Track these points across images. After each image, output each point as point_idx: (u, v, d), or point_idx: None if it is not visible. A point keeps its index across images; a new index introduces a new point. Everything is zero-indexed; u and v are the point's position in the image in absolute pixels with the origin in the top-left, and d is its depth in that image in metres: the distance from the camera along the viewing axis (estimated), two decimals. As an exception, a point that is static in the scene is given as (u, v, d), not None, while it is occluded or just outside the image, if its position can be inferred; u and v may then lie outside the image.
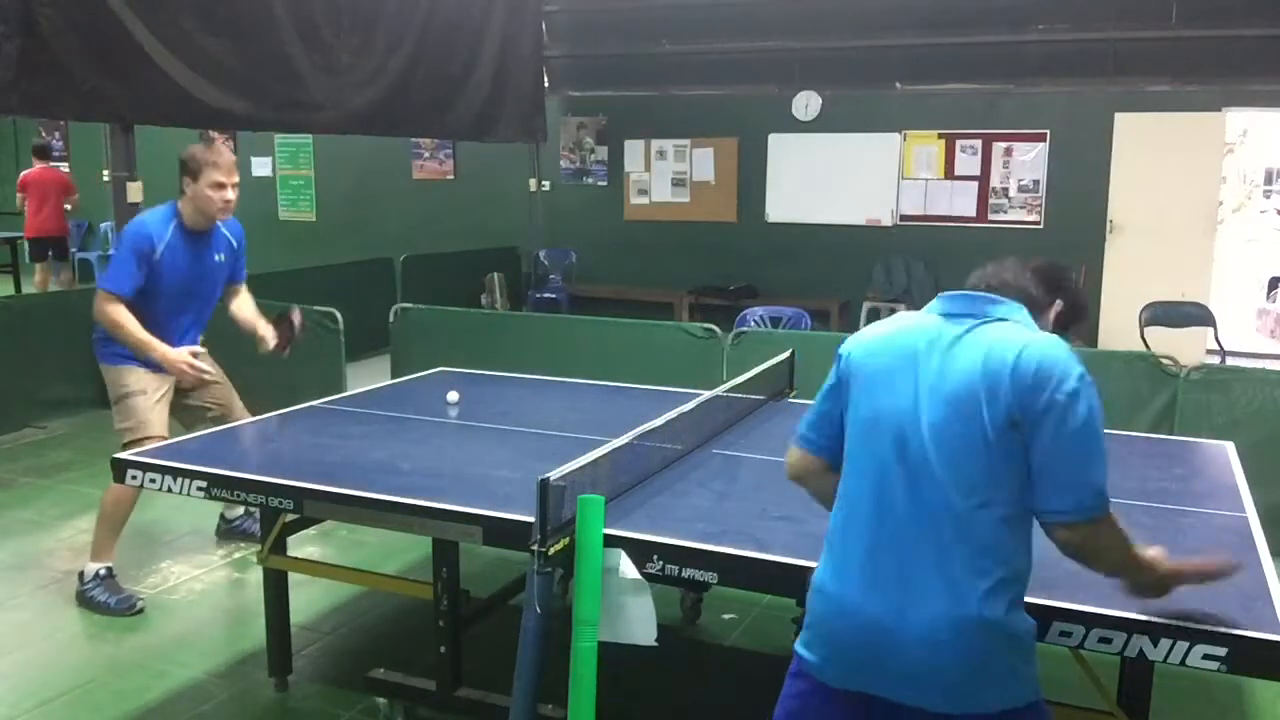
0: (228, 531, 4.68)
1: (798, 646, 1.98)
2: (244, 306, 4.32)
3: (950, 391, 1.86)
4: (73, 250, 13.40)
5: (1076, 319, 2.13)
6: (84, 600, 3.96)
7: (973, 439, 1.83)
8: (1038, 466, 1.83)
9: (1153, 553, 1.99)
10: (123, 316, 3.83)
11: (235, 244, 4.21)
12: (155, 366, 3.98)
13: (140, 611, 3.91)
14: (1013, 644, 1.84)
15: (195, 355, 3.99)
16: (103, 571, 3.98)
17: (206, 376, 4.05)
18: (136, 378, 3.97)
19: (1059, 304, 2.08)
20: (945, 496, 1.83)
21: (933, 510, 1.84)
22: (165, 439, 3.81)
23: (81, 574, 4.00)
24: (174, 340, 4.00)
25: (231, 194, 3.96)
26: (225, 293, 4.27)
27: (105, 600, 3.92)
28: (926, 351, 1.91)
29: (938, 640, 1.81)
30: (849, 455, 1.99)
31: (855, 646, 1.88)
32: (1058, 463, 1.83)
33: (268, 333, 4.20)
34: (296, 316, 4.25)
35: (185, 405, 4.21)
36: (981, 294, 1.97)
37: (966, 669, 1.82)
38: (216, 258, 4.11)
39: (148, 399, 3.97)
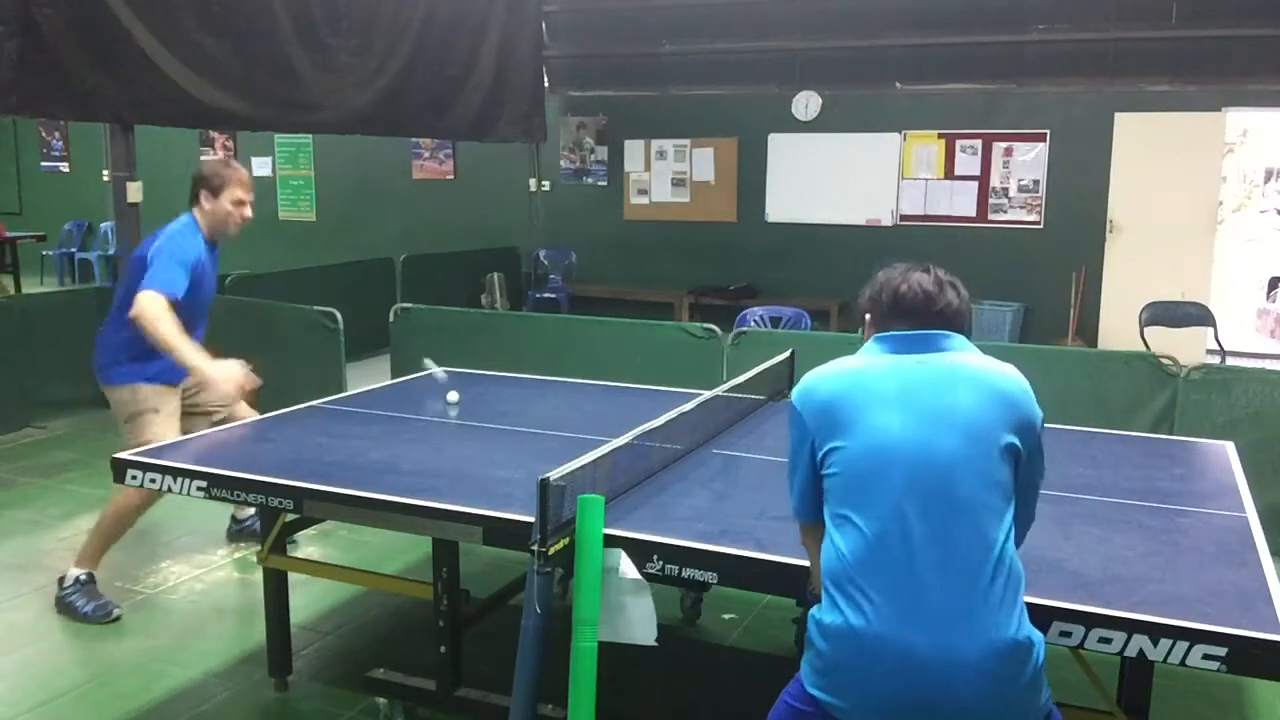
0: (238, 532, 4.66)
1: (812, 689, 1.92)
2: None
3: (965, 422, 1.89)
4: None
5: None
6: (61, 605, 3.90)
7: (992, 466, 1.88)
8: (1019, 491, 1.95)
9: None
10: (168, 313, 3.65)
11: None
12: (161, 380, 3.91)
13: (117, 619, 3.85)
14: (1037, 656, 1.87)
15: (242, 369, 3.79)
16: (83, 577, 3.91)
17: (249, 385, 3.81)
18: (145, 395, 3.91)
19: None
20: (978, 526, 1.85)
21: (968, 540, 1.84)
22: None
23: (62, 578, 3.94)
24: None
25: (250, 211, 3.98)
26: None
27: (81, 607, 3.85)
28: (909, 387, 1.94)
29: (997, 669, 1.80)
30: (846, 492, 1.93)
31: (907, 689, 1.82)
32: (1030, 488, 1.99)
33: None
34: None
35: (189, 411, 4.16)
36: (934, 332, 2.03)
37: (1018, 690, 1.83)
38: (218, 268, 4.13)
39: (160, 416, 3.92)
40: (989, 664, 1.80)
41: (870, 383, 1.97)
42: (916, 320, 2.03)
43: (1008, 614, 1.82)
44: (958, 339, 2.04)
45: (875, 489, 1.89)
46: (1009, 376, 1.98)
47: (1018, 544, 1.97)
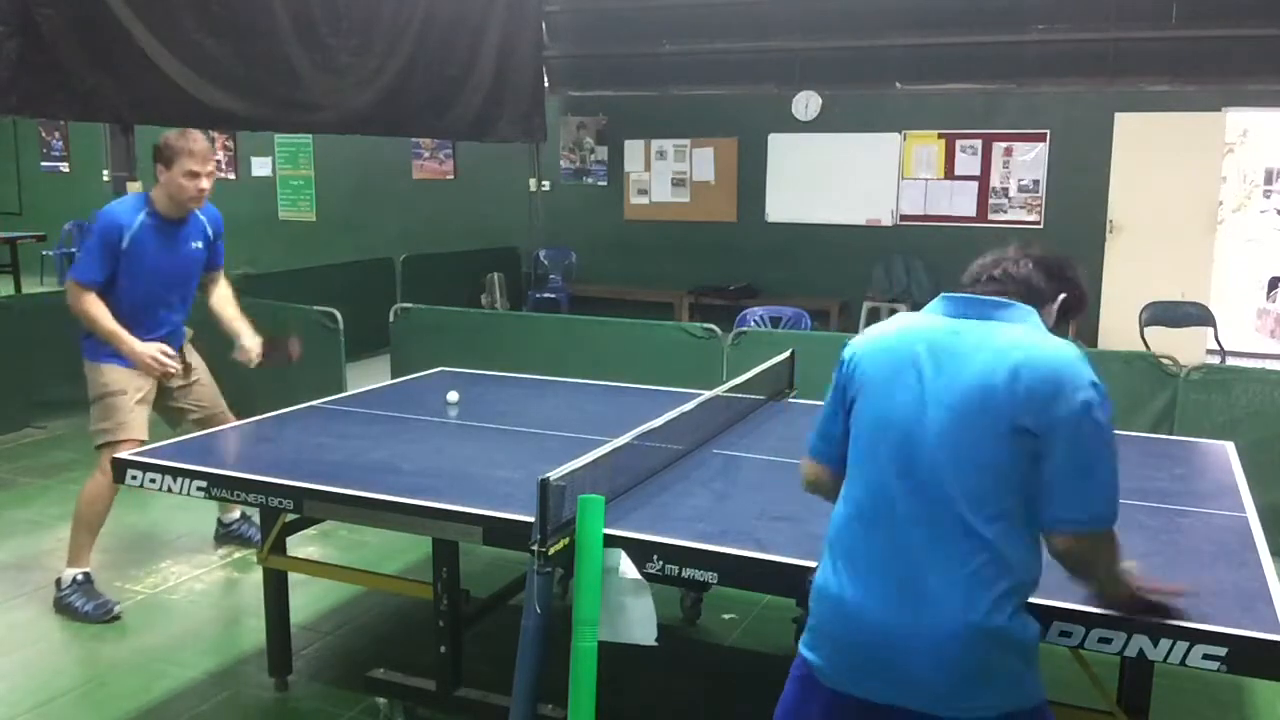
0: (224, 536, 4.63)
1: (802, 648, 1.97)
2: (224, 303, 4.21)
3: (958, 400, 1.84)
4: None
5: (1079, 310, 2.06)
6: (61, 607, 3.89)
7: (982, 449, 1.81)
8: (1052, 476, 1.81)
9: (1129, 564, 1.99)
10: (93, 307, 3.78)
11: (212, 231, 4.08)
12: (123, 361, 3.90)
13: (117, 618, 3.84)
14: (1016, 649, 1.84)
15: (165, 353, 3.90)
16: (80, 577, 3.90)
17: (172, 372, 3.97)
18: (118, 376, 3.89)
19: (1062, 296, 1.99)
20: (954, 506, 1.82)
21: (941, 519, 1.82)
22: (144, 442, 3.73)
23: (59, 580, 3.94)
24: (155, 332, 3.94)
25: (206, 183, 3.86)
26: (203, 281, 4.16)
27: (81, 606, 3.84)
28: (929, 356, 1.89)
29: (945, 648, 1.80)
30: (853, 459, 1.97)
31: (861, 652, 1.87)
32: (1073, 473, 1.82)
33: (253, 345, 4.14)
34: (295, 348, 4.21)
35: (168, 406, 4.16)
36: (987, 298, 1.93)
37: (970, 675, 1.81)
38: (193, 245, 4.00)
39: (128, 399, 3.88)
40: (942, 643, 1.80)
41: (904, 346, 1.93)
42: (974, 283, 1.99)
43: (979, 598, 1.79)
44: (1018, 309, 1.91)
45: (871, 460, 1.91)
46: (1048, 358, 1.83)
47: (1088, 523, 1.85)
